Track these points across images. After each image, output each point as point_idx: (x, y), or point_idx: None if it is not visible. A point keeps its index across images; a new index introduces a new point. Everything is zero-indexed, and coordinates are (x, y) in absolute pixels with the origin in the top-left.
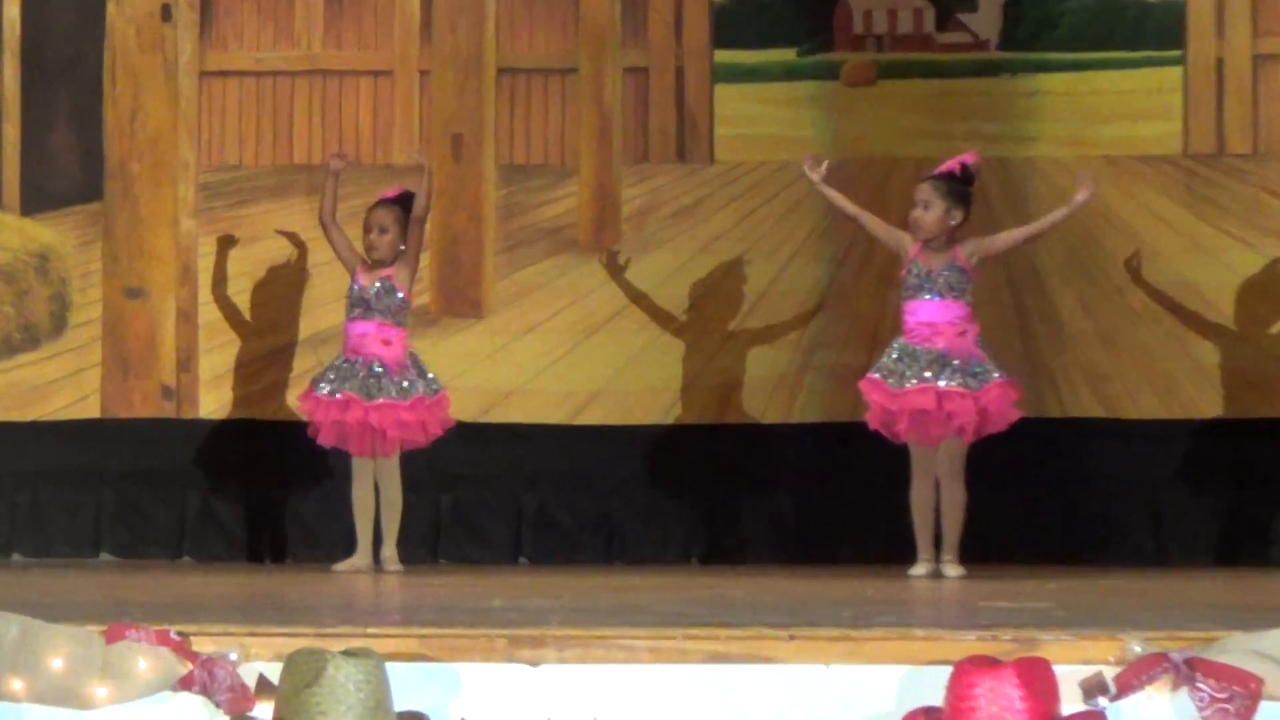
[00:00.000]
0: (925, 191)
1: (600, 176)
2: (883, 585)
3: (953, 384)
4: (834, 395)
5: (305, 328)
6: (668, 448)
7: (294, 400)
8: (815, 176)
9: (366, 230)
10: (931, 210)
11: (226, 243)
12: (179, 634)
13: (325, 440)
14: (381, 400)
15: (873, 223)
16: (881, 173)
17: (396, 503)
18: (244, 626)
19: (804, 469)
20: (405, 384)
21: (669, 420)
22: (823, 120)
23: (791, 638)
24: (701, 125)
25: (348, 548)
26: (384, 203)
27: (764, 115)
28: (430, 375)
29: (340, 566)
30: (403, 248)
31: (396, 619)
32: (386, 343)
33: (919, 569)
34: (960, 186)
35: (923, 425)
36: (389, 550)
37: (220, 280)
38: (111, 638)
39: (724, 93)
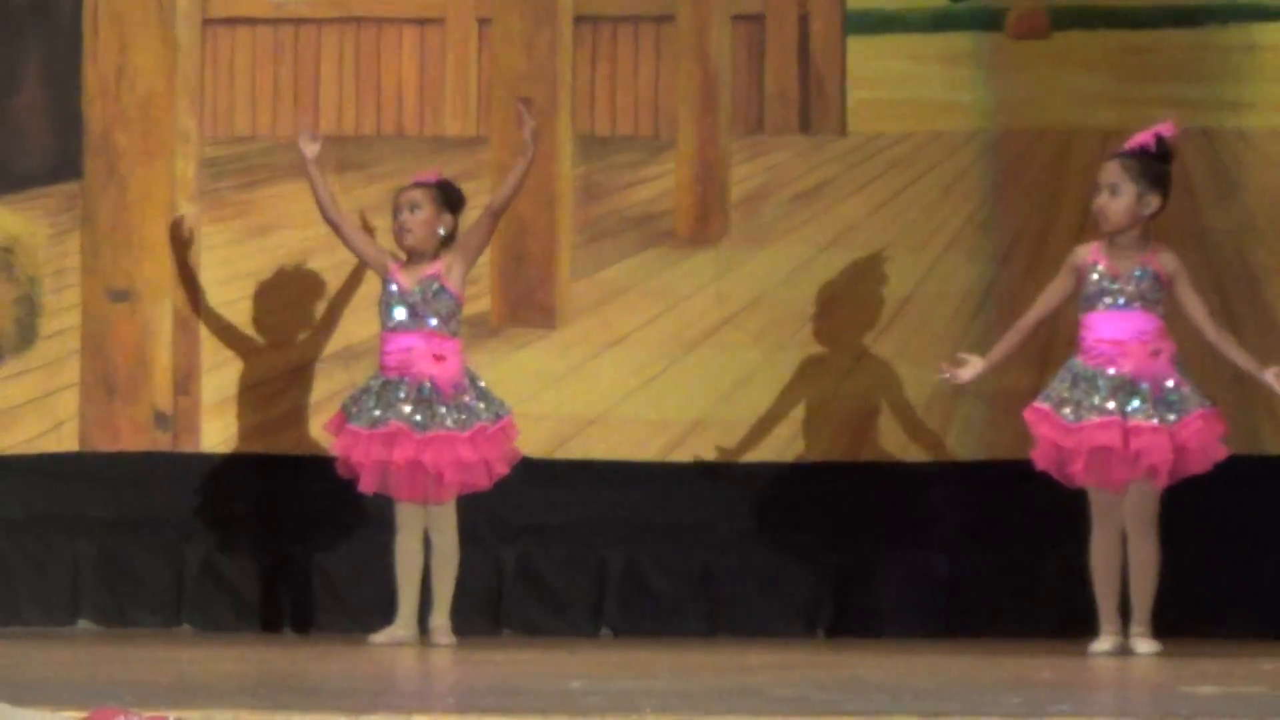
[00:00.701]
0: (1112, 173)
1: (703, 152)
2: (1057, 664)
3: (1142, 416)
4: (995, 427)
5: (334, 339)
6: (786, 492)
7: (320, 430)
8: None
9: (395, 211)
10: (1120, 196)
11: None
12: None
13: (366, 486)
14: (435, 432)
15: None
16: (1056, 148)
17: (451, 559)
18: (259, 713)
19: (957, 519)
20: (464, 410)
21: (788, 458)
22: (982, 82)
23: None
24: (830, 88)
25: (387, 614)
26: (420, 184)
27: (909, 75)
28: (494, 396)
29: (379, 638)
30: (442, 232)
31: (450, 704)
32: (439, 358)
33: (1102, 644)
34: (1156, 165)
35: (1104, 466)
36: (440, 618)
37: (225, 281)
38: None
39: (859, 47)
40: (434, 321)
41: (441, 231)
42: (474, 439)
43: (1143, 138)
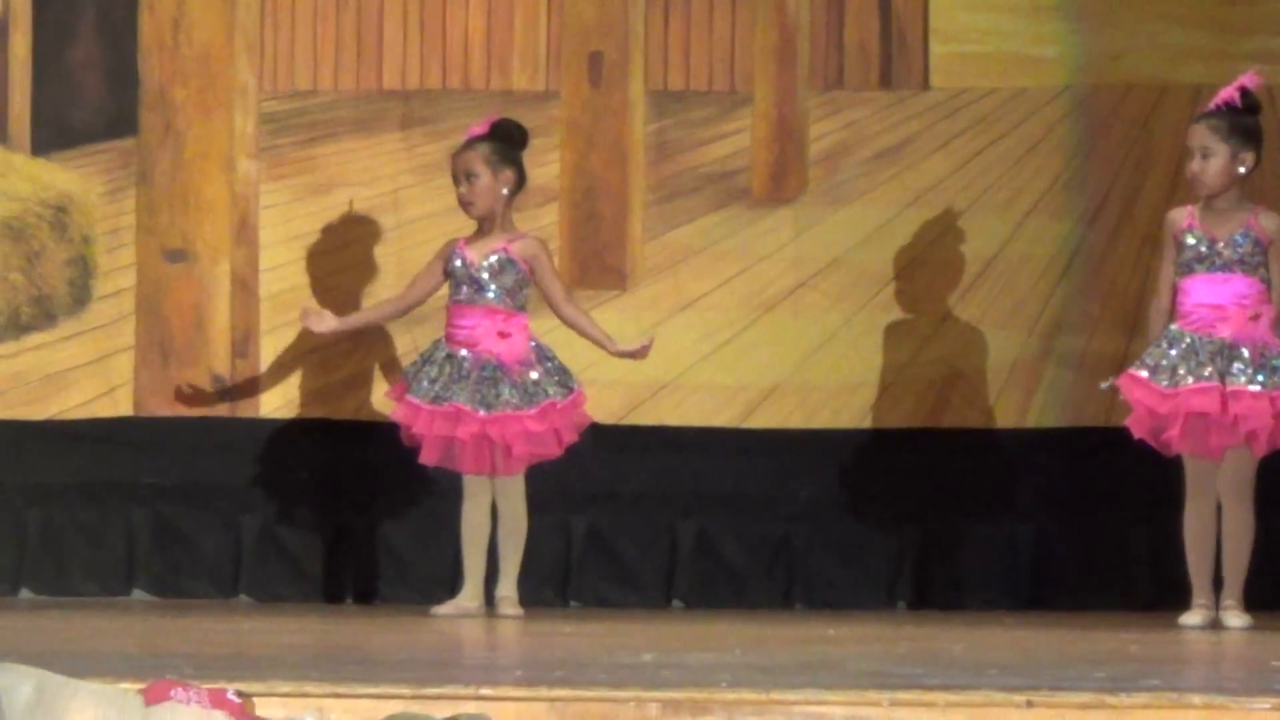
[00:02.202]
0: (1200, 135)
1: (780, 107)
2: (1146, 638)
3: (1243, 380)
4: (1083, 393)
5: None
6: (866, 460)
7: (382, 396)
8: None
9: (455, 181)
10: (1213, 159)
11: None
12: (239, 694)
13: (428, 458)
14: (500, 412)
15: None
16: (1146, 104)
17: (519, 529)
18: (321, 685)
19: (1043, 488)
20: (529, 387)
21: (867, 424)
22: (1071, 35)
23: (1030, 704)
24: (912, 41)
25: (451, 585)
26: (471, 142)
27: (994, 28)
28: (564, 370)
29: (443, 609)
30: (505, 191)
31: (518, 676)
32: (504, 335)
33: (1192, 616)
34: (1245, 120)
35: (1202, 433)
36: (506, 589)
37: (285, 241)
38: (153, 698)
39: None
40: (498, 296)
41: (505, 191)
42: (544, 413)
43: (1226, 94)
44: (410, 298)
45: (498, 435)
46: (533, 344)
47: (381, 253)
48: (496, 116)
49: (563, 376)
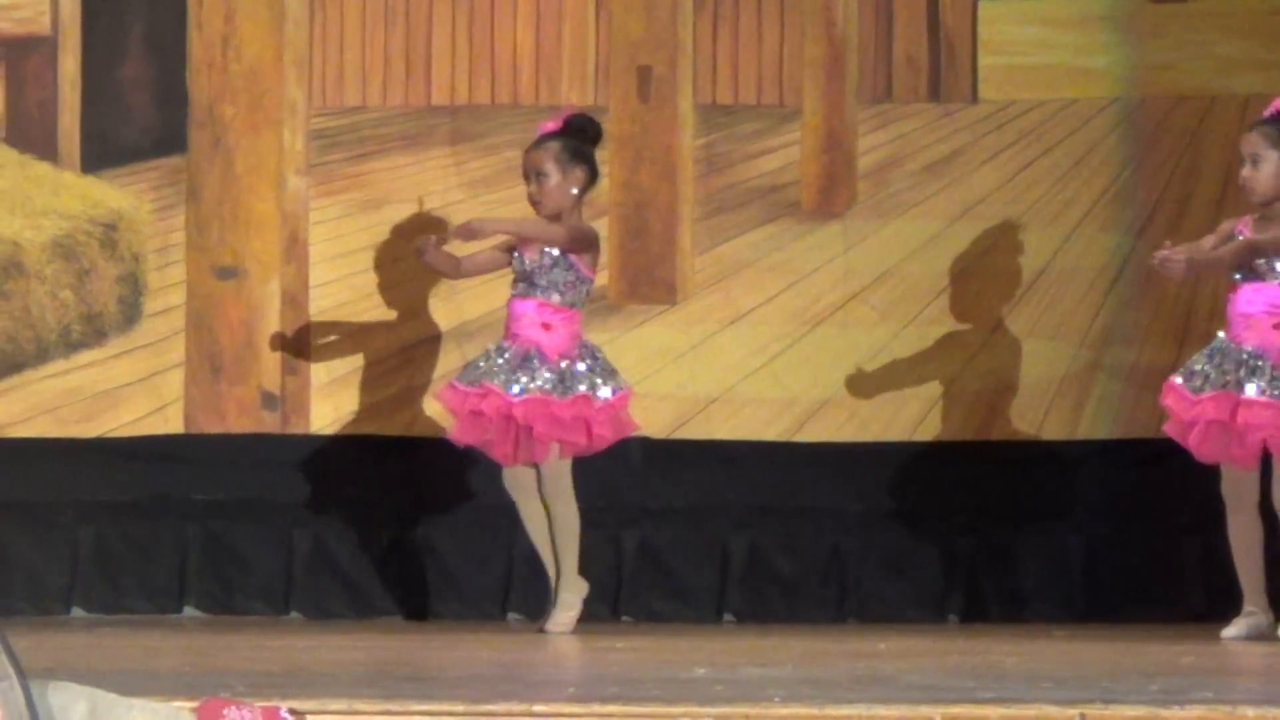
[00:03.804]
0: (1252, 143)
1: (829, 121)
2: (1199, 650)
3: (1252, 391)
4: (1133, 403)
5: (448, 316)
6: (916, 472)
7: (434, 410)
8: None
9: (525, 179)
10: (1263, 166)
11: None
12: (292, 712)
13: (460, 435)
14: (532, 395)
15: None
16: (1195, 115)
17: (569, 525)
18: (374, 702)
19: (1094, 500)
20: (566, 375)
21: (918, 437)
22: (1120, 46)
23: (1083, 717)
24: (961, 53)
25: (504, 600)
26: (543, 139)
27: (1043, 40)
28: (610, 369)
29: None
30: (575, 191)
31: (571, 693)
32: (546, 326)
33: (1234, 628)
34: None
35: (1222, 441)
36: (563, 592)
37: (335, 257)
38: (206, 716)
39: (990, 11)
40: (546, 291)
41: (575, 191)
42: (574, 403)
43: (1279, 103)
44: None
45: (522, 416)
46: (579, 340)
47: (429, 270)
48: (571, 111)
49: (607, 376)
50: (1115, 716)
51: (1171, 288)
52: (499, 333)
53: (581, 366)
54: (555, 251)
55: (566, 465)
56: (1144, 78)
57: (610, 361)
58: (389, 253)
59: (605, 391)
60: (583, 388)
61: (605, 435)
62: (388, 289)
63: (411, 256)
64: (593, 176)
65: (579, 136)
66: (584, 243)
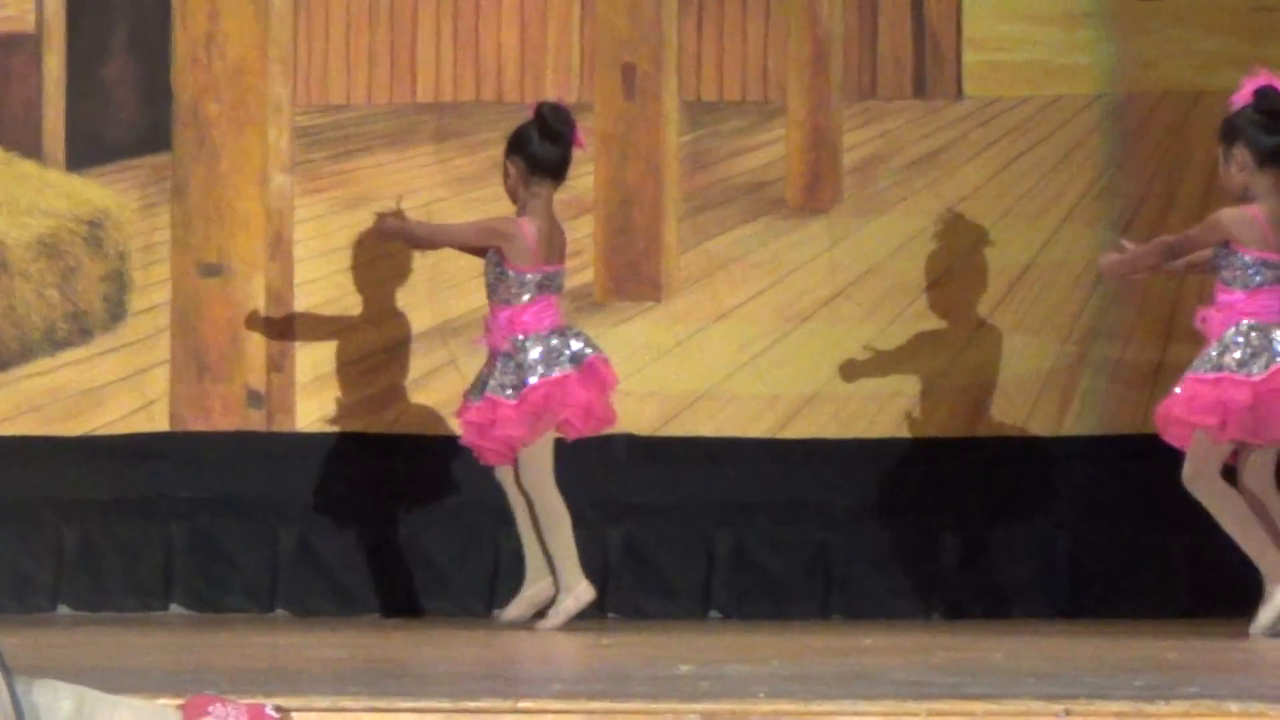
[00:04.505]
0: (1219, 141)
1: (814, 117)
2: (1184, 645)
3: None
4: (1118, 399)
5: (432, 314)
6: (902, 469)
7: (419, 401)
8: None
9: None
10: (1227, 162)
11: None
12: (277, 709)
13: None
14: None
15: None
16: (1179, 111)
17: (550, 518)
18: (359, 699)
19: (1079, 496)
20: (490, 380)
21: (903, 434)
22: (1103, 43)
23: (1068, 713)
24: (946, 49)
25: (490, 597)
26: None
27: (1027, 37)
28: (541, 363)
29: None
30: (519, 184)
31: (556, 689)
32: (487, 329)
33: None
34: (1234, 120)
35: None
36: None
37: (320, 255)
38: (192, 713)
39: (974, 8)
40: (489, 292)
41: (518, 183)
42: (482, 408)
43: (1237, 98)
44: (441, 239)
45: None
46: (510, 336)
47: (416, 266)
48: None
49: (528, 371)
50: (1100, 712)
51: (1157, 284)
52: (480, 330)
53: (511, 365)
54: (493, 253)
55: (538, 455)
56: (1128, 74)
57: (556, 345)
58: (374, 250)
59: (509, 392)
60: (496, 392)
61: (514, 436)
62: (372, 286)
63: (394, 254)
64: (531, 162)
65: (518, 132)
66: (489, 235)
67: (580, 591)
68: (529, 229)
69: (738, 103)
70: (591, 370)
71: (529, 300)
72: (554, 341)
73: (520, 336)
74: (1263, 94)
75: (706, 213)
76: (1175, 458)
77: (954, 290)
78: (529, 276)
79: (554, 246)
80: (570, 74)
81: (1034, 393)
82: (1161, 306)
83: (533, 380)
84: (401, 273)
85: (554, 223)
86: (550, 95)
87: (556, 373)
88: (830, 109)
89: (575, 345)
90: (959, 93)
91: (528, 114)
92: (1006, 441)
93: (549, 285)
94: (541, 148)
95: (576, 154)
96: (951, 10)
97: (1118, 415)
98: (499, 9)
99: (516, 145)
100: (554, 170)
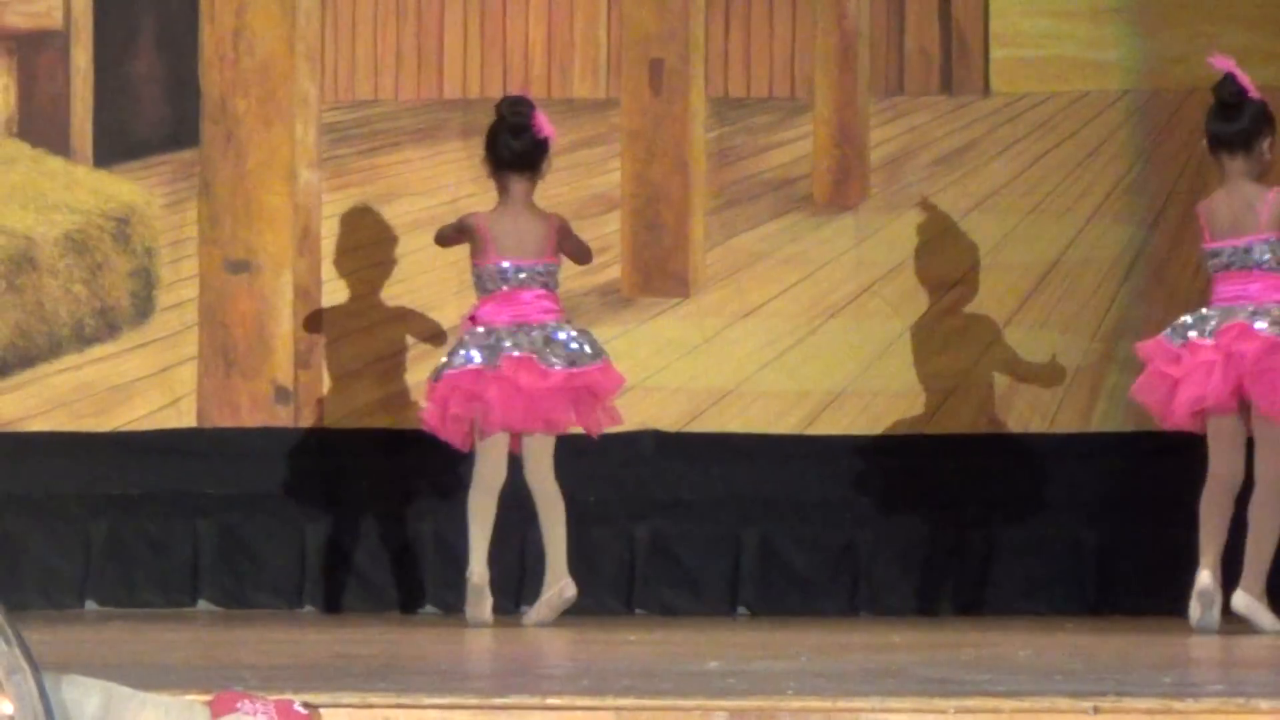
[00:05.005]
0: None
1: (842, 113)
2: (1210, 643)
3: None
4: None
5: (460, 310)
6: (929, 465)
7: None
8: None
9: None
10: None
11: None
12: (306, 705)
13: None
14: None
15: None
16: (1204, 107)
17: (557, 519)
18: (388, 695)
19: (1107, 492)
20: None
21: (931, 430)
22: (1130, 38)
23: (1096, 710)
24: (973, 46)
25: (517, 594)
26: None
27: (1054, 32)
28: (454, 353)
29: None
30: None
31: (585, 686)
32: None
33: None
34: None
35: None
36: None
37: (348, 251)
38: (219, 709)
39: (1002, 3)
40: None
41: (496, 185)
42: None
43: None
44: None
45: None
46: (471, 328)
47: (442, 262)
48: None
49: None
50: (1128, 709)
51: (1184, 280)
52: None
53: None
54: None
55: (547, 450)
56: (1156, 70)
57: (490, 343)
58: (401, 246)
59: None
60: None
61: (425, 419)
62: (399, 282)
63: (422, 250)
64: (495, 158)
65: (489, 127)
66: (456, 231)
67: (566, 593)
68: (482, 223)
69: (765, 99)
70: (523, 368)
71: (490, 293)
72: (492, 339)
73: (472, 327)
74: (1221, 82)
75: (734, 209)
76: (1202, 454)
77: (981, 287)
78: (484, 269)
79: (522, 241)
80: (597, 70)
81: (1062, 389)
82: (1188, 303)
83: (448, 365)
84: (429, 269)
85: (528, 218)
86: (577, 91)
87: (459, 367)
88: (857, 105)
89: (507, 343)
90: (986, 89)
91: (556, 109)
92: (1034, 438)
93: (507, 279)
94: (501, 142)
95: (604, 150)
96: (979, 6)
97: (1144, 413)
98: (526, 5)
99: (485, 144)
100: (515, 164)
